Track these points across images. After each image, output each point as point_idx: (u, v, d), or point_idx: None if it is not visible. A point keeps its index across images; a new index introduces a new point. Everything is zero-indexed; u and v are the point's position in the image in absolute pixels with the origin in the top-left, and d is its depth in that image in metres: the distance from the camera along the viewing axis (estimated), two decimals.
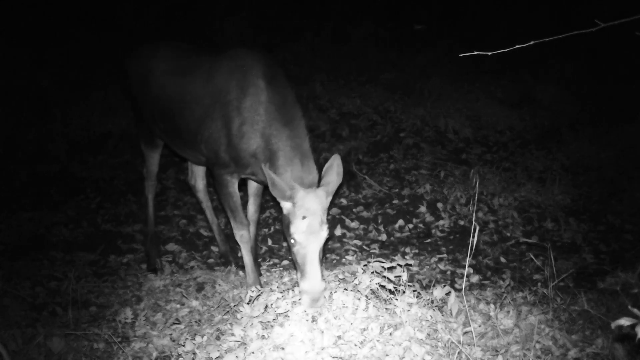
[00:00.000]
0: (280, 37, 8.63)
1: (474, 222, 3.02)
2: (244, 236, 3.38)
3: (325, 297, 2.82)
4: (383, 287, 3.22)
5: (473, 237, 2.89)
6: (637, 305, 1.84)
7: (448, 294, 3.07)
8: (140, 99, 3.73)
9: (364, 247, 4.22)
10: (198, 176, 4.11)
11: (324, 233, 2.81)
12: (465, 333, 2.84)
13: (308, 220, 2.76)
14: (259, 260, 4.06)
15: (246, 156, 3.12)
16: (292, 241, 2.80)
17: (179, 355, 2.83)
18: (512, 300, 3.21)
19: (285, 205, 2.84)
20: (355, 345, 2.82)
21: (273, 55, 7.77)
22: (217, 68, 3.25)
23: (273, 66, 3.23)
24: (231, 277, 3.68)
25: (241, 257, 4.06)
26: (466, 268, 3.14)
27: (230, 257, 4.00)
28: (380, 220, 4.59)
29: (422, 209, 4.68)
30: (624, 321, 1.78)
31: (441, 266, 3.87)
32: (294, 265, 2.99)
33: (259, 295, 3.09)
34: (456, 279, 3.69)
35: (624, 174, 5.21)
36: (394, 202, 4.86)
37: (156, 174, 4.09)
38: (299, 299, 2.85)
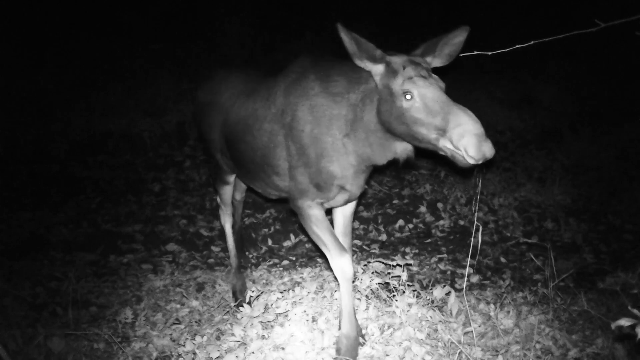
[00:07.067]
0: (280, 37, 8.62)
1: (475, 222, 3.02)
2: (345, 271, 2.63)
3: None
4: (383, 286, 3.23)
5: (475, 237, 2.89)
6: (637, 306, 1.84)
7: (448, 294, 3.08)
8: (208, 130, 3.37)
9: (364, 247, 4.22)
10: (237, 190, 3.87)
11: (440, 82, 2.32)
12: (465, 333, 2.85)
13: (411, 65, 2.34)
14: (259, 260, 4.07)
15: (332, 179, 2.63)
16: (407, 97, 2.25)
17: (179, 355, 2.84)
18: (512, 300, 3.21)
19: (377, 70, 2.44)
20: None
21: (273, 55, 7.80)
22: (274, 87, 2.84)
23: (322, 59, 2.93)
24: (231, 277, 3.68)
25: (247, 257, 4.05)
26: (467, 268, 3.15)
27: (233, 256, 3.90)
28: (380, 220, 4.59)
29: (422, 209, 4.69)
30: (624, 321, 1.79)
31: (441, 266, 3.87)
32: (411, 138, 2.35)
33: (259, 295, 3.10)
34: (456, 279, 3.68)
35: (624, 174, 5.21)
36: (394, 202, 4.87)
37: (231, 200, 3.70)
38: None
